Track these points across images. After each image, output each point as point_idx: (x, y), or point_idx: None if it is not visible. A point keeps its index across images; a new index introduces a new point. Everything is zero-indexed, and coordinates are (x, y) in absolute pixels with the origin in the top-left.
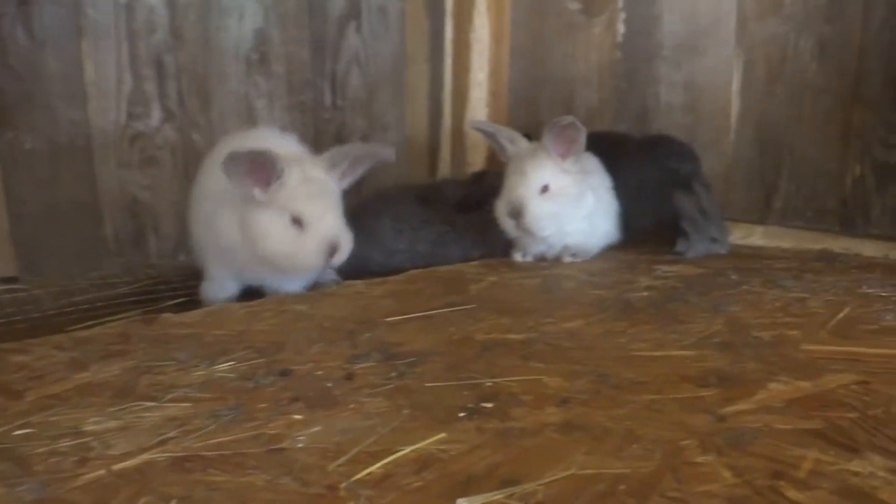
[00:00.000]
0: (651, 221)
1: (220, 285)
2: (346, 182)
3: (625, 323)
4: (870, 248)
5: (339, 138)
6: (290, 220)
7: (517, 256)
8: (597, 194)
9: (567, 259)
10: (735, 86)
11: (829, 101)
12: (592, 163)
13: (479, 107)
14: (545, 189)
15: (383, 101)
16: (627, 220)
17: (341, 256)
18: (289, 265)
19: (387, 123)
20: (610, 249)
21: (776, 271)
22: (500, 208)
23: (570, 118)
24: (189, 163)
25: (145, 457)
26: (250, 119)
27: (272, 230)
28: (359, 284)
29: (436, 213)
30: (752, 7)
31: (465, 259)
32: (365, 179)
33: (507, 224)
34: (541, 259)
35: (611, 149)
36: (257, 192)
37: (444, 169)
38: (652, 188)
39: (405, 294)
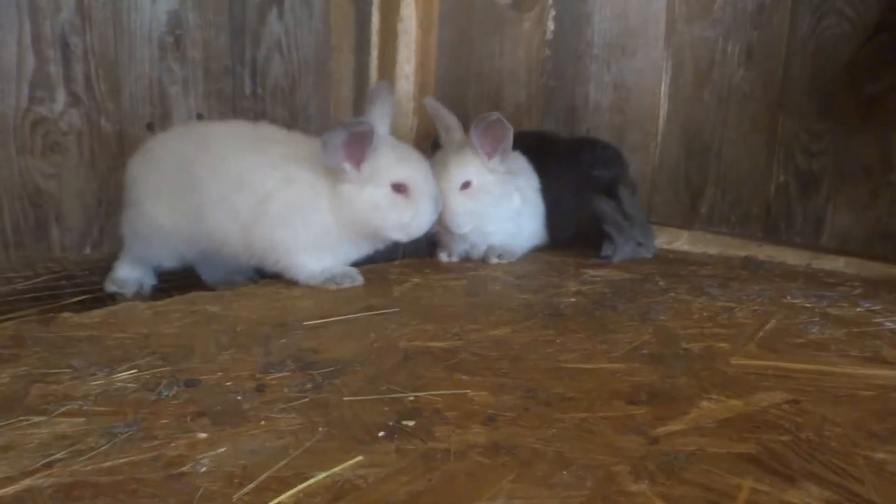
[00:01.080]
0: (573, 226)
1: (316, 260)
2: None
3: (553, 331)
4: (792, 257)
5: None
6: (391, 189)
7: (442, 256)
8: (524, 195)
9: (493, 260)
10: (663, 88)
11: (755, 107)
12: (520, 162)
13: (405, 100)
14: (466, 185)
15: (306, 91)
16: (552, 224)
17: (446, 215)
18: (404, 233)
19: (309, 114)
20: (537, 251)
21: (703, 278)
22: None
23: (495, 115)
24: (96, 150)
25: (27, 482)
26: (163, 106)
27: (381, 203)
28: (277, 283)
29: None
30: (682, 10)
31: (390, 259)
32: None
33: None
34: (466, 259)
35: (538, 149)
36: (349, 168)
37: None
38: (574, 193)
39: (325, 295)
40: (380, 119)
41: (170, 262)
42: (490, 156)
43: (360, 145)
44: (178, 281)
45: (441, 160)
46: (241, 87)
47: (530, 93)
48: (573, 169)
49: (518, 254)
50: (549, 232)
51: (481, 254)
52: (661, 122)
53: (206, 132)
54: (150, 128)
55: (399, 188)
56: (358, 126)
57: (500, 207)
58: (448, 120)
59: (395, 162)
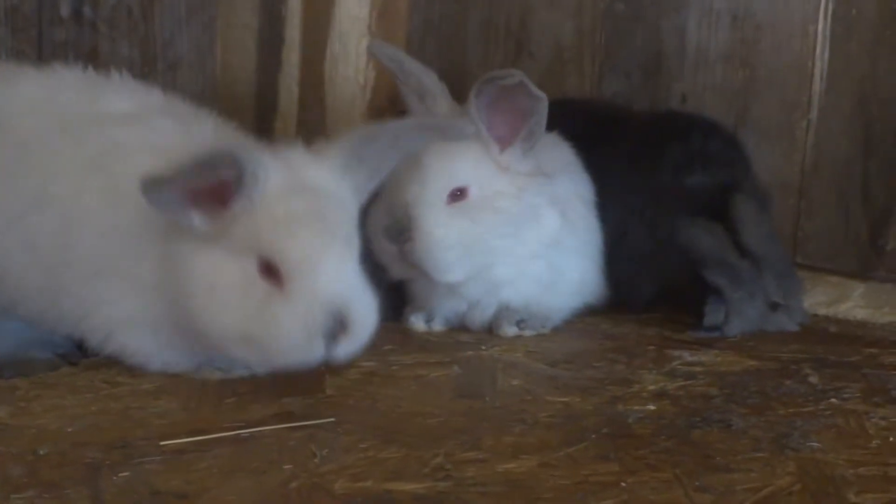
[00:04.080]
0: (651, 274)
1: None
2: (369, 190)
3: (616, 466)
4: None
5: None
6: (259, 267)
7: (416, 322)
8: (565, 212)
9: (508, 331)
10: (821, 24)
11: None
12: (560, 154)
13: (351, 34)
14: (459, 195)
15: (169, 16)
16: (615, 269)
17: (353, 341)
18: (254, 352)
19: (176, 54)
20: (588, 316)
21: (889, 371)
22: (375, 222)
23: (515, 75)
24: None
25: None
26: None
27: (222, 285)
28: (111, 366)
29: None
30: None
31: None
32: None
33: (385, 251)
34: (458, 328)
35: (592, 134)
36: (199, 218)
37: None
38: (654, 215)
39: (198, 390)
40: (333, 151)
41: None
42: (504, 144)
43: (216, 184)
44: None
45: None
46: (54, 6)
47: (581, 26)
48: (652, 171)
49: (553, 320)
50: (611, 283)
51: (487, 320)
52: (818, 84)
53: None
54: None
55: (269, 269)
56: (211, 162)
57: (520, 236)
58: (422, 79)
59: (274, 223)
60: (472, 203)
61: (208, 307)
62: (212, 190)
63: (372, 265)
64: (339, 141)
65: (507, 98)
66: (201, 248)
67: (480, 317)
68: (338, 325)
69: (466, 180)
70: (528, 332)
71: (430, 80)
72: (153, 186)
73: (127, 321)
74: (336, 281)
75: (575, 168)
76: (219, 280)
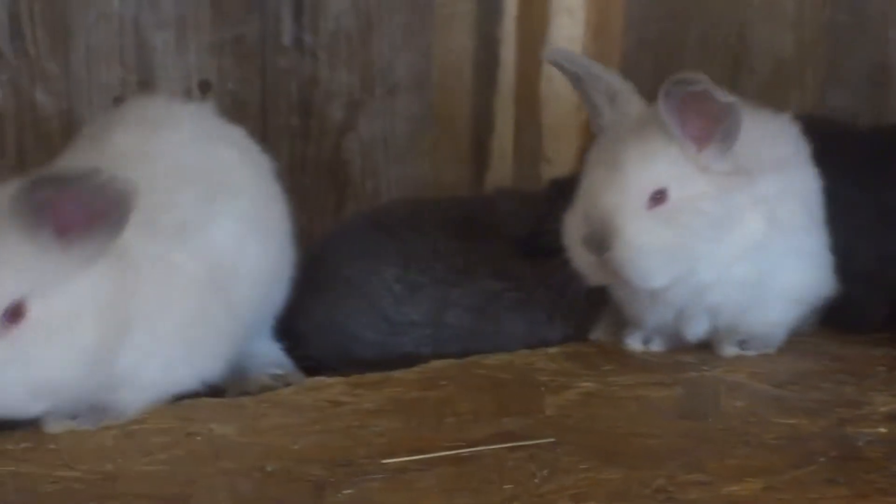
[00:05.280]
0: (883, 294)
1: None
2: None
3: (846, 489)
4: None
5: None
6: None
7: (633, 342)
8: (774, 213)
9: (729, 351)
10: None
11: None
12: (767, 149)
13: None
14: (659, 198)
15: (387, 42)
16: (845, 291)
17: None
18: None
19: (394, 78)
20: (813, 336)
21: None
22: (571, 229)
23: (701, 81)
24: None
25: None
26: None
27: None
28: (333, 385)
29: (483, 256)
30: None
31: (537, 342)
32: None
33: (583, 260)
34: (677, 348)
35: (817, 148)
36: None
37: (500, 168)
38: (886, 231)
39: (419, 410)
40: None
41: None
42: (701, 144)
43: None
44: None
45: (608, 154)
46: (276, 30)
47: (802, 38)
48: (879, 187)
49: (776, 336)
50: (840, 304)
51: (700, 331)
52: None
53: None
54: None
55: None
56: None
57: (723, 239)
58: (610, 80)
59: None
60: (673, 206)
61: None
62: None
63: (568, 273)
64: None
65: (697, 101)
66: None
67: (691, 328)
68: None
69: (667, 182)
70: (750, 353)
71: (617, 81)
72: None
73: None
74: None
75: (792, 162)
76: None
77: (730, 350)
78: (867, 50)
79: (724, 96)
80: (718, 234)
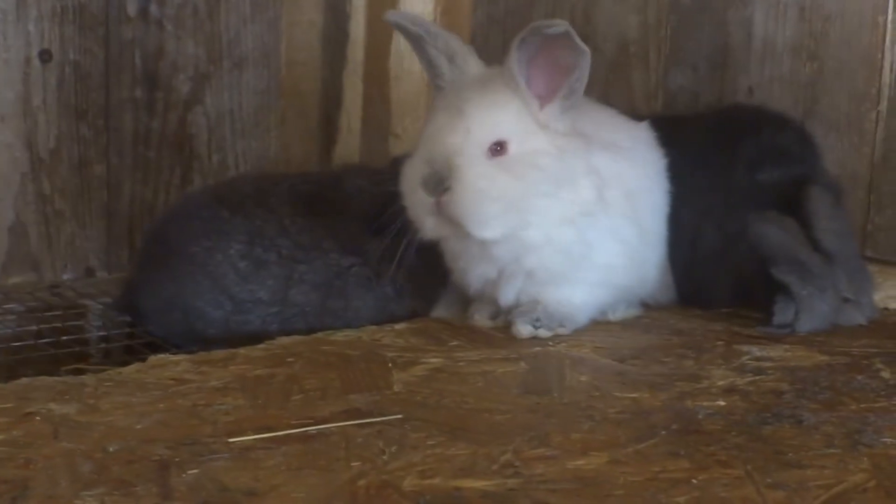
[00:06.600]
0: (724, 278)
1: None
2: None
3: (687, 462)
4: None
5: (157, 72)
6: None
7: (478, 317)
8: (603, 191)
9: (522, 330)
10: (892, 13)
11: None
12: (603, 117)
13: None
14: (499, 148)
15: (234, 14)
16: (683, 272)
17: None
18: None
19: (242, 51)
20: (656, 311)
21: None
22: (410, 174)
23: (560, 24)
24: None
25: None
26: None
27: None
28: (178, 363)
29: (330, 232)
30: None
31: (385, 318)
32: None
33: (420, 205)
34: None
35: (661, 134)
36: None
37: (349, 143)
38: (725, 216)
39: (266, 387)
40: None
41: None
42: (544, 100)
43: None
44: None
45: (450, 103)
46: (121, 2)
47: (646, 19)
48: (723, 168)
49: (576, 319)
50: (689, 284)
51: (511, 300)
52: (888, 76)
53: None
54: None
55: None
56: None
57: (558, 196)
58: (450, 41)
59: None
60: (512, 158)
61: None
62: None
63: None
64: None
65: (550, 51)
66: None
67: (505, 291)
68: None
69: (507, 135)
70: (543, 333)
71: (457, 42)
72: None
73: None
74: None
75: (624, 129)
76: None
77: (524, 329)
78: (708, 31)
79: (581, 43)
80: (553, 191)
